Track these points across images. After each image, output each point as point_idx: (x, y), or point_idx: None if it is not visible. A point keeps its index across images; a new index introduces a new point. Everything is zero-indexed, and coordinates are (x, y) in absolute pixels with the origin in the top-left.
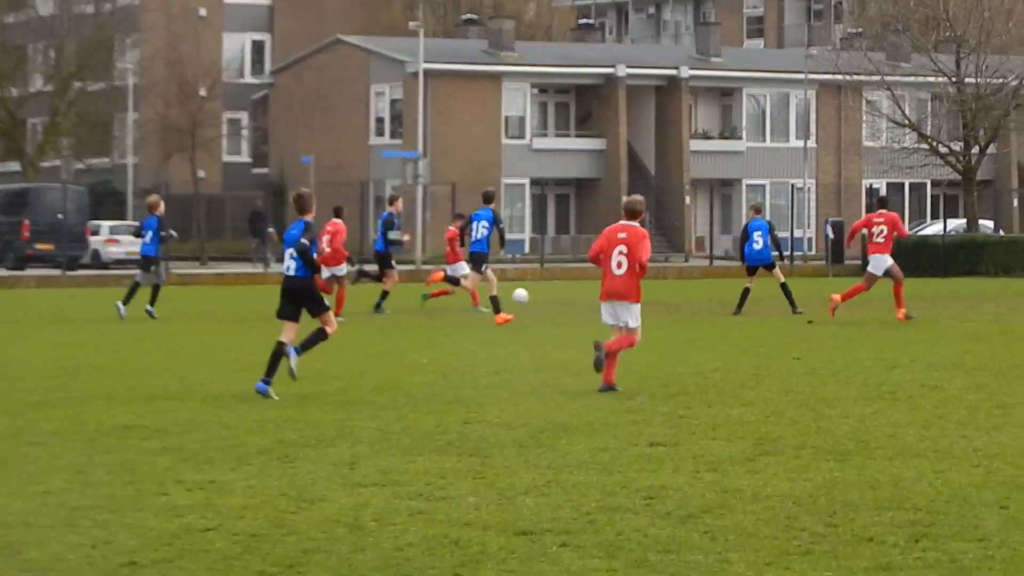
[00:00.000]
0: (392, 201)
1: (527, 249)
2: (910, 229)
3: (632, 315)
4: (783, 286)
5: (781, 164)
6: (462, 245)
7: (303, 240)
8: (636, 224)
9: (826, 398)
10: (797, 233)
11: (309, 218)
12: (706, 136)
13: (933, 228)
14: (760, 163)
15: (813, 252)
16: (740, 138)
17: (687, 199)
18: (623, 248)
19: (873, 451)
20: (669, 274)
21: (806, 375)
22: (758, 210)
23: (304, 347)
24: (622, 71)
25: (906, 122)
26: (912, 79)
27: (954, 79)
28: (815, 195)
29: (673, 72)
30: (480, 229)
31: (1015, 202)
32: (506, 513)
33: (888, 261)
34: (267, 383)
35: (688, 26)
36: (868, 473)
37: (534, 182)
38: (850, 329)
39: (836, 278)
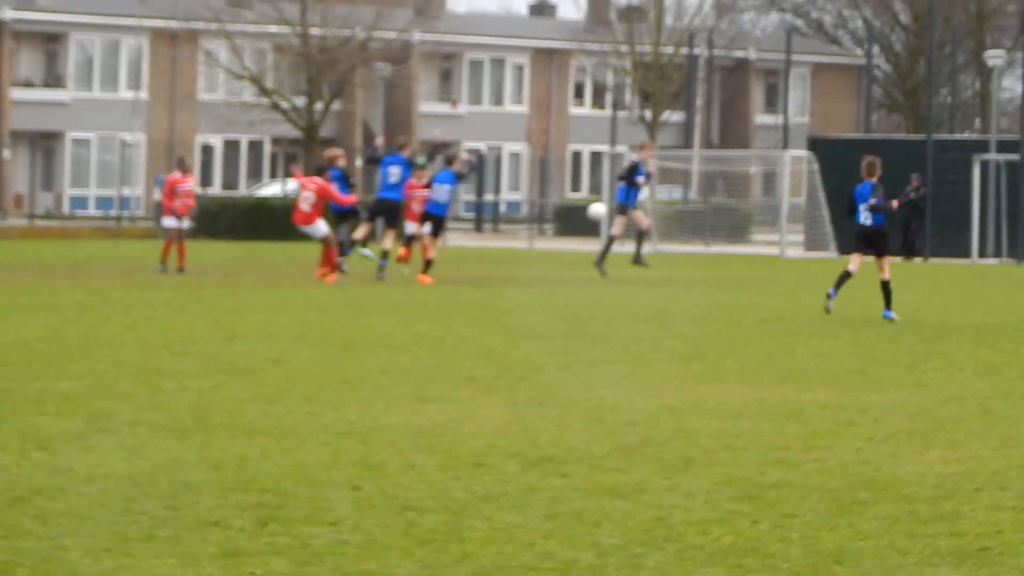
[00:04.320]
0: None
1: None
2: (248, 189)
3: None
4: None
5: (109, 116)
6: None
7: None
8: None
9: (162, 370)
10: (126, 191)
11: None
12: (28, 84)
13: (272, 188)
14: (87, 115)
15: (142, 212)
16: (66, 87)
17: (6, 153)
18: None
19: (215, 428)
20: None
21: (139, 346)
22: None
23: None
24: None
25: (246, 74)
26: (254, 28)
27: (299, 30)
28: (145, 151)
29: None
30: None
31: (358, 162)
32: None
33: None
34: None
35: None
36: (210, 452)
37: None
38: (184, 296)
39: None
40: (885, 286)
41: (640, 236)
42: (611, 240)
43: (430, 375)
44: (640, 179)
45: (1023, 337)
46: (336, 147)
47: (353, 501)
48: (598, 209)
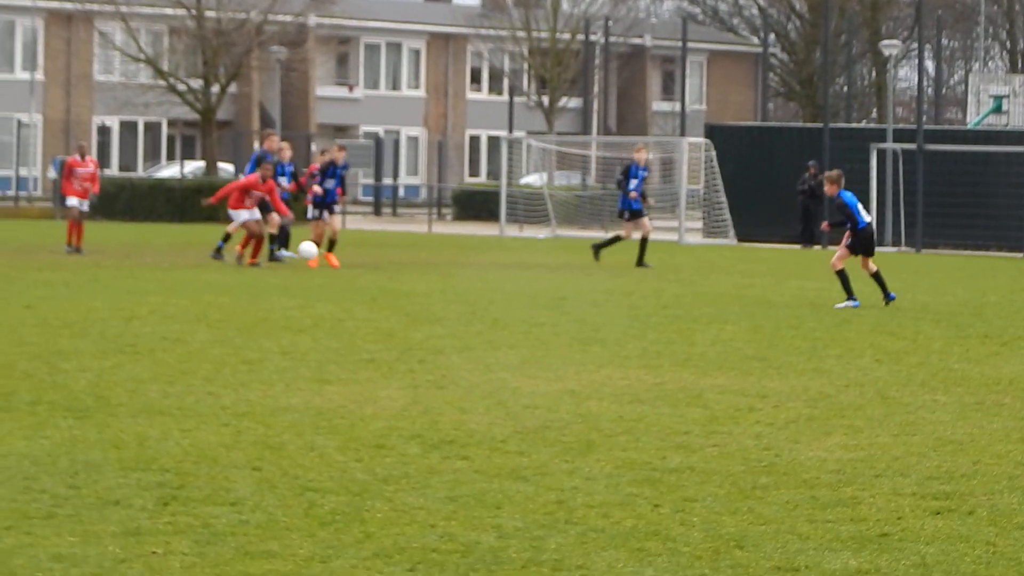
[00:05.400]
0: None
1: None
2: (146, 170)
3: None
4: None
5: (5, 97)
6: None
7: None
8: None
9: (61, 350)
10: (23, 172)
11: None
12: None
13: (169, 170)
14: None
15: (39, 192)
16: None
17: None
18: None
19: (115, 408)
20: None
21: (38, 326)
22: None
23: None
24: None
25: (142, 56)
26: (150, 11)
27: (194, 12)
28: (41, 131)
29: None
30: None
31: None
32: None
33: None
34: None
35: None
36: (110, 431)
37: None
38: (83, 276)
39: (63, 220)
40: (876, 275)
41: (643, 241)
42: (616, 238)
43: (330, 357)
44: (632, 184)
45: (922, 324)
46: (276, 137)
47: (254, 482)
48: (308, 248)
